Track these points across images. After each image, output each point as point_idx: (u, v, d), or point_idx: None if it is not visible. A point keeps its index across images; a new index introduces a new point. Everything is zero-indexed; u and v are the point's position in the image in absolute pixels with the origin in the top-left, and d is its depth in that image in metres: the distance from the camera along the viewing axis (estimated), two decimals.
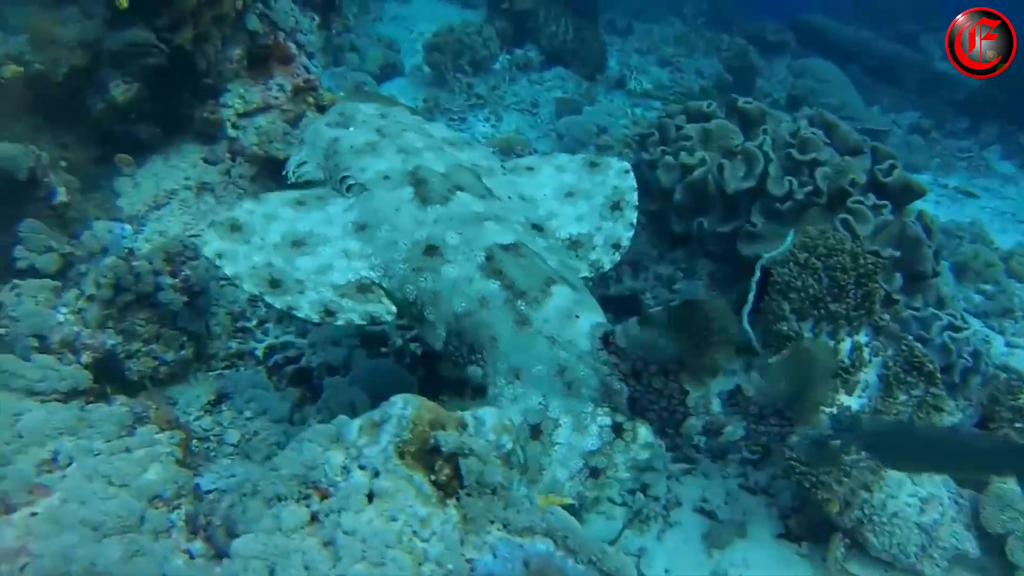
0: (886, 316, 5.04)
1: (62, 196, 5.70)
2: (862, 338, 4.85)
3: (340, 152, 4.40)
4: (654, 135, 6.65)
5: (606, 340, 3.40)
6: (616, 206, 4.47)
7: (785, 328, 4.91)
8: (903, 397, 4.69)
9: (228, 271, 3.73)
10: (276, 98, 6.78)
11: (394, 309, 3.79)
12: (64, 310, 4.85)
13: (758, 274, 5.53)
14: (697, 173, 6.19)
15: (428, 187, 3.94)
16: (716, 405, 3.30)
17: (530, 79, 13.17)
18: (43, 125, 6.01)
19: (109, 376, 4.96)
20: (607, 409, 3.41)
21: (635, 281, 6.77)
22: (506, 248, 3.66)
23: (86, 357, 4.80)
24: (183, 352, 5.19)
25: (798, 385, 3.22)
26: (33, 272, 5.17)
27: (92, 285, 5.05)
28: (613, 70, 14.63)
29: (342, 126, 4.64)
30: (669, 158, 6.36)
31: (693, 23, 19.28)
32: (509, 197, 4.27)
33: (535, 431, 3.36)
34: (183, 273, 5.16)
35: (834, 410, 3.35)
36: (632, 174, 4.70)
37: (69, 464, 3.42)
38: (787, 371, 3.26)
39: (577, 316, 3.48)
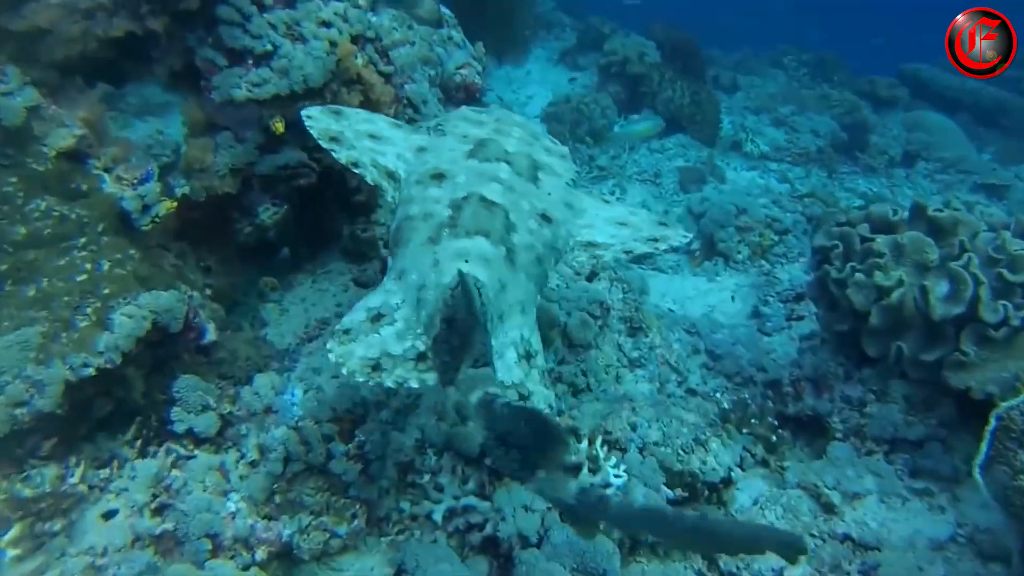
0: None
1: (212, 335, 5.02)
2: None
3: (457, 115, 4.76)
4: (838, 247, 5.72)
5: (463, 289, 3.30)
6: (655, 240, 4.38)
7: None
8: None
9: (307, 124, 4.27)
10: None
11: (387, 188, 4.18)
12: (235, 497, 4.11)
13: (993, 423, 4.59)
14: (895, 296, 5.26)
15: (484, 149, 4.21)
16: (474, 398, 2.98)
17: (650, 147, 12.28)
18: (188, 250, 5.35)
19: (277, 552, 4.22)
20: (426, 338, 3.45)
21: (818, 401, 5.84)
22: (483, 200, 3.85)
23: (262, 552, 4.07)
24: (356, 522, 4.40)
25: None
26: (191, 435, 4.47)
27: (255, 450, 4.33)
28: (727, 131, 13.66)
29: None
30: (860, 276, 5.43)
31: (795, 74, 18.19)
32: (550, 193, 4.27)
33: (377, 316, 3.55)
34: (357, 439, 4.40)
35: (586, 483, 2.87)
36: (687, 238, 4.53)
37: None
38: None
39: (466, 261, 3.58)
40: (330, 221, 5.89)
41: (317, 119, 4.30)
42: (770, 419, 5.89)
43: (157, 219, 4.74)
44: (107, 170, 4.72)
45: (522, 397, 3.48)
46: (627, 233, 4.36)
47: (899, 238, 5.45)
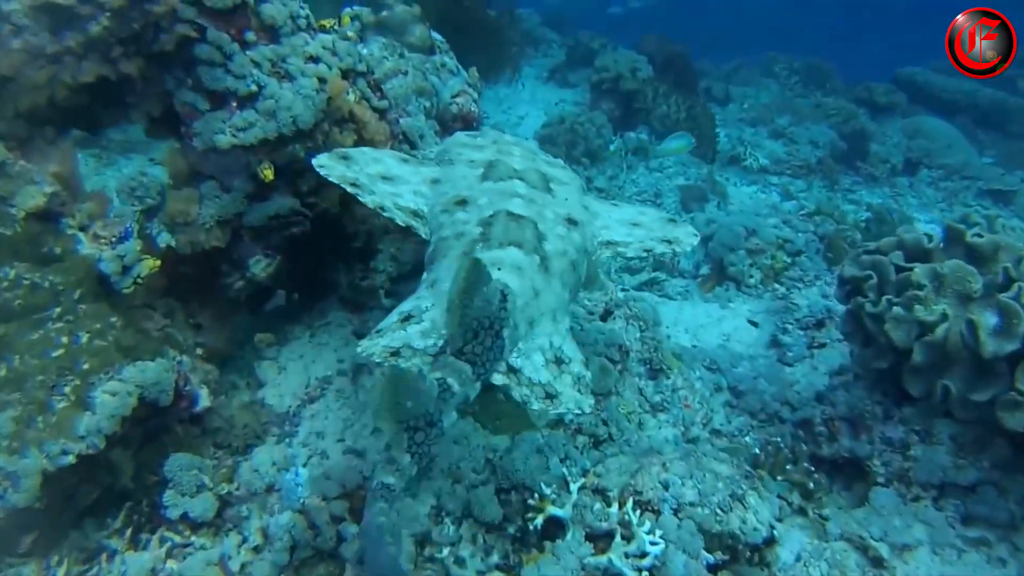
0: None
1: (205, 401, 4.65)
2: None
3: (456, 142, 4.92)
4: (871, 278, 5.38)
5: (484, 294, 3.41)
6: (668, 242, 4.56)
7: None
8: None
9: (323, 173, 4.25)
10: None
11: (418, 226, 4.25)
12: None
13: None
14: (939, 331, 4.92)
15: (495, 170, 4.41)
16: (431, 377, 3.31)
17: (648, 166, 11.97)
18: (176, 306, 4.97)
19: None
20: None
21: (855, 442, 5.49)
22: (511, 215, 4.02)
23: None
24: None
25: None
26: (186, 520, 4.08)
27: (258, 534, 3.95)
28: (724, 145, 13.36)
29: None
30: (899, 310, 5.09)
31: (787, 83, 17.96)
32: (567, 199, 4.47)
33: (407, 318, 3.68)
34: None
35: None
36: (697, 238, 4.69)
37: None
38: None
39: (499, 269, 3.70)
40: (326, 270, 5.51)
41: (331, 167, 4.28)
42: (805, 464, 5.54)
43: (140, 280, 4.36)
44: (83, 228, 4.34)
45: (548, 396, 3.55)
46: (642, 232, 4.58)
47: (938, 267, 5.12)
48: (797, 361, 7.37)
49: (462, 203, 4.17)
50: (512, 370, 3.58)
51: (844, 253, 9.05)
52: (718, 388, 6.61)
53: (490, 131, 5.42)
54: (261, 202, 4.85)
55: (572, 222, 4.23)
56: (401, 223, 4.21)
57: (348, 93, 4.93)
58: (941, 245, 5.43)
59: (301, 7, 4.92)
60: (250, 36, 4.60)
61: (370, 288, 5.41)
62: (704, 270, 9.16)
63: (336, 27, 5.17)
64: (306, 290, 5.57)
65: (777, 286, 8.80)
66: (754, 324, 8.04)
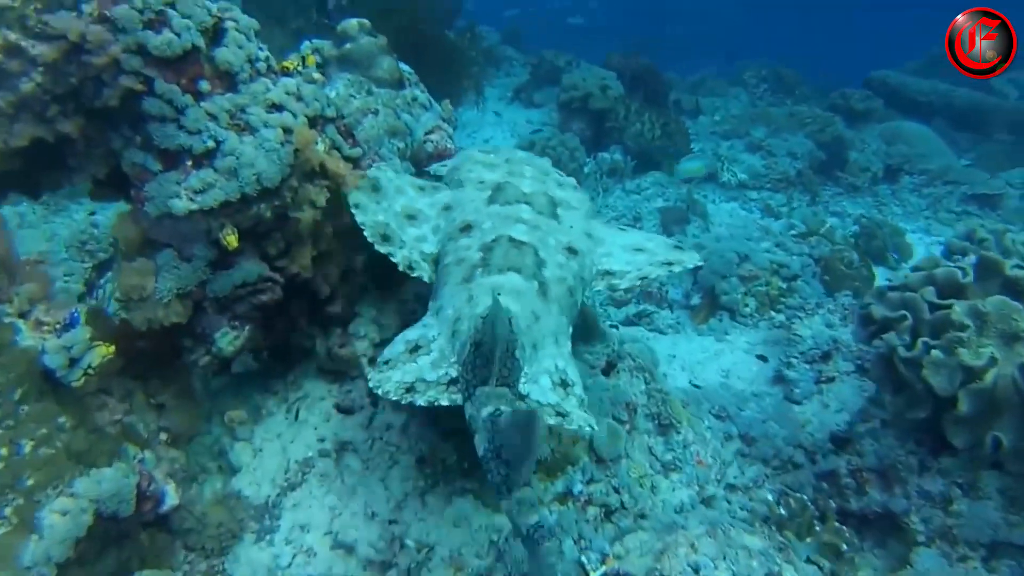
0: None
1: (172, 498, 4.17)
2: None
3: (469, 159, 5.06)
4: (906, 319, 4.99)
5: (492, 314, 3.50)
6: (670, 264, 4.60)
7: None
8: None
9: (359, 219, 4.38)
10: None
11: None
12: None
13: None
14: (988, 378, 4.54)
15: (502, 193, 4.52)
16: (485, 412, 3.21)
17: (625, 188, 11.58)
18: (135, 388, 4.47)
19: None
20: (458, 366, 3.61)
21: (889, 496, 5.10)
22: (512, 241, 4.11)
23: None
24: None
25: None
26: None
27: None
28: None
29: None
30: (939, 354, 4.70)
31: (756, 91, 17.71)
32: (572, 226, 4.58)
33: (415, 348, 3.80)
34: None
35: None
36: (698, 257, 4.77)
37: None
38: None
39: (499, 295, 3.67)
40: (301, 337, 5.01)
41: (364, 208, 4.44)
42: (836, 523, 5.13)
43: (91, 370, 3.83)
44: (22, 315, 3.84)
45: (560, 415, 3.58)
46: (643, 259, 4.61)
47: (980, 305, 4.73)
48: (805, 398, 6.99)
49: (467, 228, 4.32)
50: (520, 397, 3.54)
51: (841, 276, 8.73)
52: (728, 437, 6.21)
53: (506, 149, 5.51)
54: (225, 270, 4.35)
55: (572, 251, 4.34)
56: (428, 280, 4.31)
57: (317, 143, 4.46)
58: (972, 276, 5.06)
59: (260, 48, 4.44)
60: (204, 86, 4.10)
61: (351, 356, 4.92)
62: (695, 300, 8.76)
63: (300, 67, 4.69)
64: (280, 359, 5.06)
65: (773, 314, 8.43)
66: (763, 359, 7.64)
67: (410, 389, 3.58)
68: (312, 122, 4.50)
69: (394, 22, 10.44)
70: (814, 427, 6.37)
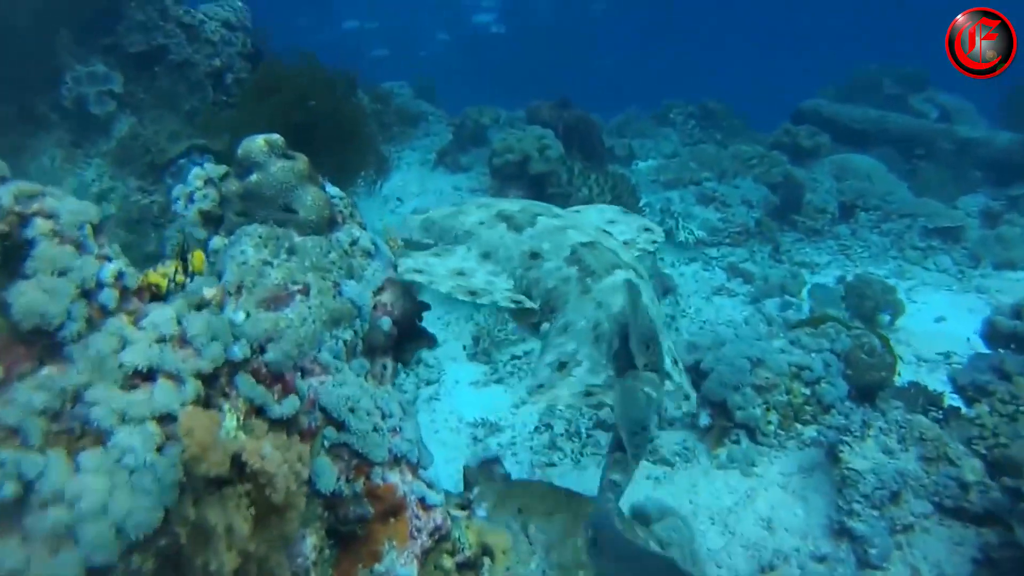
0: None
1: None
2: None
3: (437, 221, 4.67)
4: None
5: (632, 300, 3.59)
6: (646, 229, 4.72)
7: None
8: None
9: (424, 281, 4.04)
10: None
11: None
12: None
13: None
14: None
15: (515, 220, 4.34)
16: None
17: None
18: None
19: None
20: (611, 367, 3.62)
21: None
22: (584, 245, 4.05)
23: None
24: None
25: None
26: None
27: None
28: (650, 219, 11.24)
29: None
30: None
31: (684, 127, 16.07)
32: (577, 212, 4.82)
33: (562, 366, 3.69)
34: None
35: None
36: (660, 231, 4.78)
37: None
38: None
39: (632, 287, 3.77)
40: None
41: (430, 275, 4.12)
42: None
43: None
44: None
45: (686, 397, 3.77)
46: (623, 226, 4.69)
47: None
48: (885, 560, 5.21)
49: (535, 256, 4.12)
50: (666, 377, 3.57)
51: (864, 367, 6.99)
52: None
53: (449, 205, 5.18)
54: None
55: (607, 232, 4.42)
56: (514, 305, 4.00)
57: (224, 423, 2.39)
58: None
59: (111, 260, 2.37)
60: None
61: None
62: (704, 419, 6.87)
63: (181, 275, 2.63)
64: None
65: (799, 427, 6.63)
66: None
67: (588, 394, 3.52)
68: (210, 379, 2.44)
69: (277, 99, 8.39)
70: None
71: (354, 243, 4.25)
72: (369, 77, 12.87)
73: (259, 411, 2.58)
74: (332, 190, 4.44)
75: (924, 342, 9.11)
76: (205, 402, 2.38)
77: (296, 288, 3.59)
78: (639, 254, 4.49)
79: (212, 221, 4.23)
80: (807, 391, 6.74)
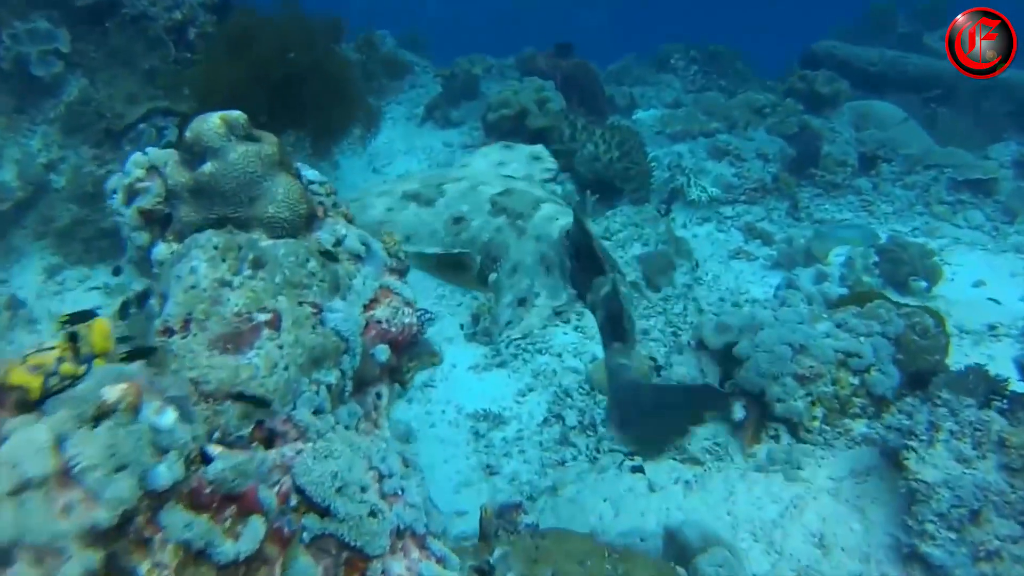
0: None
1: None
2: None
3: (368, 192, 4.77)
4: None
5: (567, 234, 3.83)
6: (535, 157, 4.98)
7: None
8: None
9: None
10: None
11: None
12: None
13: None
14: None
15: (423, 196, 4.44)
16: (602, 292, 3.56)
17: None
18: None
19: None
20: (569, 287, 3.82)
21: None
22: (500, 194, 4.21)
23: None
24: None
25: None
26: None
27: None
28: (659, 177, 10.35)
29: None
30: None
31: (686, 74, 15.05)
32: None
33: (522, 302, 3.85)
34: None
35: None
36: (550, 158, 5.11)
37: None
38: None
39: (556, 219, 3.96)
40: None
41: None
42: None
43: None
44: None
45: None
46: (514, 165, 4.85)
47: None
48: None
49: (459, 221, 4.22)
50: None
51: (916, 351, 6.17)
52: None
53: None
54: None
55: (511, 178, 4.59)
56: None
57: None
58: None
59: None
60: None
61: None
62: (738, 412, 6.03)
63: (70, 363, 1.73)
64: None
65: (849, 423, 5.83)
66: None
67: (559, 313, 3.76)
68: (118, 528, 1.56)
69: (252, 53, 7.40)
70: None
71: (339, 243, 3.40)
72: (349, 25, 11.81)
73: (200, 555, 1.71)
74: (310, 174, 3.57)
75: (964, 311, 8.24)
76: (107, 566, 1.50)
77: (263, 319, 2.74)
78: (547, 185, 4.71)
79: (156, 221, 3.38)
80: (855, 380, 5.91)
